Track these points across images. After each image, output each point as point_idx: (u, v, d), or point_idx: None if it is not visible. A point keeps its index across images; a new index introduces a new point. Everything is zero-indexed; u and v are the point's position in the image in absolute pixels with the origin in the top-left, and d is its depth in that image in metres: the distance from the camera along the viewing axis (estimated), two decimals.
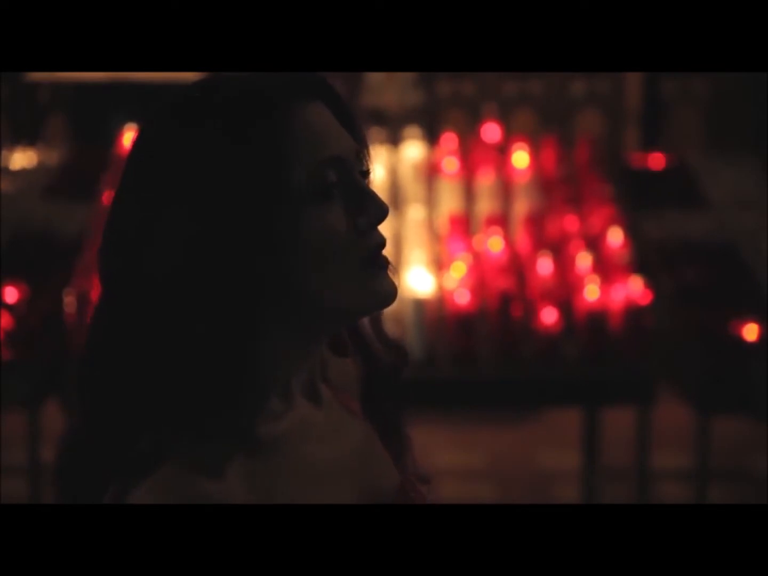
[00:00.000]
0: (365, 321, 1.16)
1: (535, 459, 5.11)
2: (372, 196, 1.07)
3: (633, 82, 6.90)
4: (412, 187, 4.30)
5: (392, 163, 4.39)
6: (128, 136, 4.61)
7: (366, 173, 1.10)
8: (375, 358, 1.17)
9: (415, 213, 4.16)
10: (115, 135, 4.73)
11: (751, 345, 3.81)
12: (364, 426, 1.16)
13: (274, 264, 1.02)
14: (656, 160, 5.46)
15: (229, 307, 1.01)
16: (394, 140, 4.60)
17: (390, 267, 1.08)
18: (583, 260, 3.98)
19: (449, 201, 4.27)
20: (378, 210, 1.06)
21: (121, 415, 1.01)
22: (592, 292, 3.84)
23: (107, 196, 3.96)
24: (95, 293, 1.07)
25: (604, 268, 3.97)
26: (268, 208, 1.01)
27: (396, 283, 1.08)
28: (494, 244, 4.04)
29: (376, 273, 1.06)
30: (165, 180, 1.02)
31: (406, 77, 6.15)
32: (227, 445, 1.00)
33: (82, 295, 3.66)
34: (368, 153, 1.11)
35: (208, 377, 1.00)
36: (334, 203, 1.05)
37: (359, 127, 1.11)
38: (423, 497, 1.16)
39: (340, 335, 1.16)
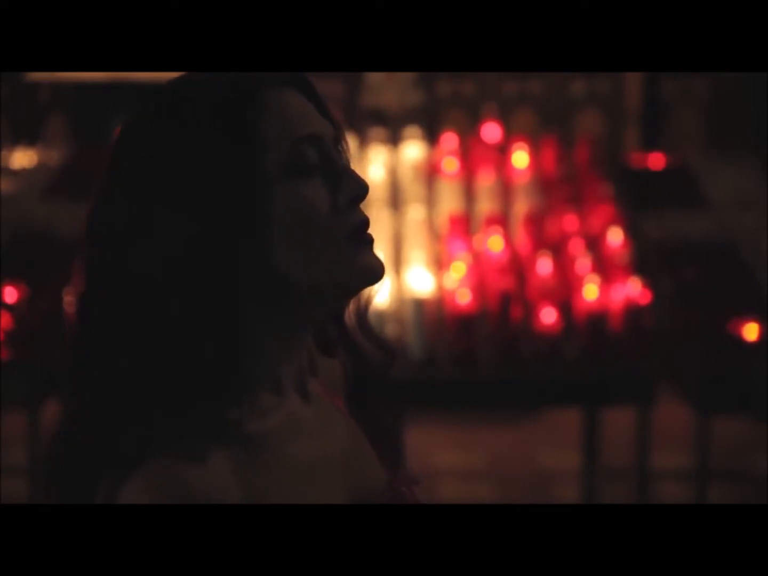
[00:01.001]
0: (352, 318, 1.16)
1: (535, 459, 5.11)
2: (351, 173, 1.07)
3: (633, 82, 6.90)
4: (412, 187, 4.30)
5: (392, 163, 4.39)
6: None
7: (345, 151, 1.10)
8: (362, 356, 1.17)
9: (415, 213, 4.16)
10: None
11: (751, 345, 3.81)
12: (352, 424, 1.16)
13: (256, 246, 1.03)
14: (656, 160, 5.47)
15: (214, 296, 1.01)
16: (394, 140, 4.60)
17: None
18: (583, 260, 3.98)
19: (449, 201, 4.27)
20: (357, 187, 1.07)
21: (109, 409, 1.01)
22: (591, 292, 3.84)
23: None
24: (78, 288, 1.07)
25: (604, 268, 3.97)
26: (246, 190, 1.02)
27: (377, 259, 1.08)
28: (494, 244, 4.04)
29: (360, 248, 1.06)
30: (146, 174, 1.03)
31: (406, 77, 6.15)
32: (218, 439, 1.00)
33: None
34: (346, 142, 1.11)
35: (195, 368, 1.00)
36: (315, 180, 1.06)
37: (335, 117, 1.12)
38: (414, 497, 1.16)
39: (327, 333, 1.16)
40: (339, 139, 1.10)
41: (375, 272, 1.07)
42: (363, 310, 1.16)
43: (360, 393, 1.17)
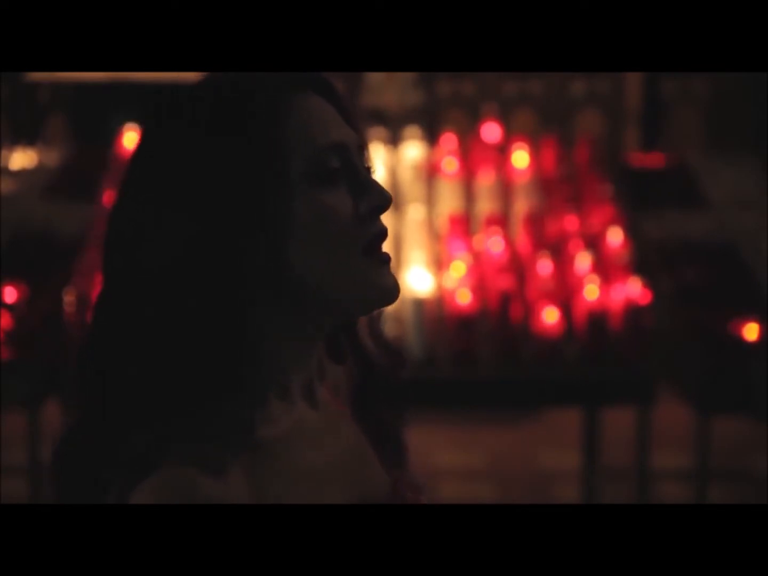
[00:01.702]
0: (363, 323, 1.16)
1: (535, 459, 5.11)
2: (374, 183, 1.07)
3: (633, 82, 6.91)
4: (412, 187, 4.30)
5: (392, 163, 4.39)
6: (128, 136, 4.62)
7: (368, 169, 1.10)
8: (372, 365, 1.16)
9: (415, 213, 4.16)
10: (115, 135, 4.73)
11: (751, 345, 3.81)
12: (355, 428, 1.16)
13: (276, 251, 1.02)
14: (656, 160, 5.47)
15: (230, 301, 1.01)
16: (394, 140, 4.60)
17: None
18: (583, 260, 3.98)
19: (449, 201, 4.27)
20: (380, 197, 1.07)
21: (119, 412, 1.01)
22: (592, 292, 3.84)
23: (108, 196, 3.97)
24: (96, 290, 1.07)
25: (604, 268, 3.97)
26: (268, 195, 1.01)
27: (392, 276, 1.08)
28: (494, 244, 4.04)
29: (378, 266, 1.06)
30: (168, 176, 1.03)
31: (406, 77, 6.16)
32: (228, 445, 1.00)
33: (82, 295, 3.66)
34: (368, 150, 1.11)
35: (207, 374, 1.00)
36: (338, 188, 1.05)
37: (360, 126, 1.11)
38: (416, 500, 1.16)
39: (339, 341, 1.16)
40: (362, 148, 1.10)
41: (390, 293, 1.07)
42: (376, 318, 1.15)
43: (365, 398, 1.17)
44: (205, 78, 1.07)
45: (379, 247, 1.07)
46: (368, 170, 1.10)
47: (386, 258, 1.07)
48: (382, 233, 1.07)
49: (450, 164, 4.37)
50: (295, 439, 1.06)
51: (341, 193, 1.05)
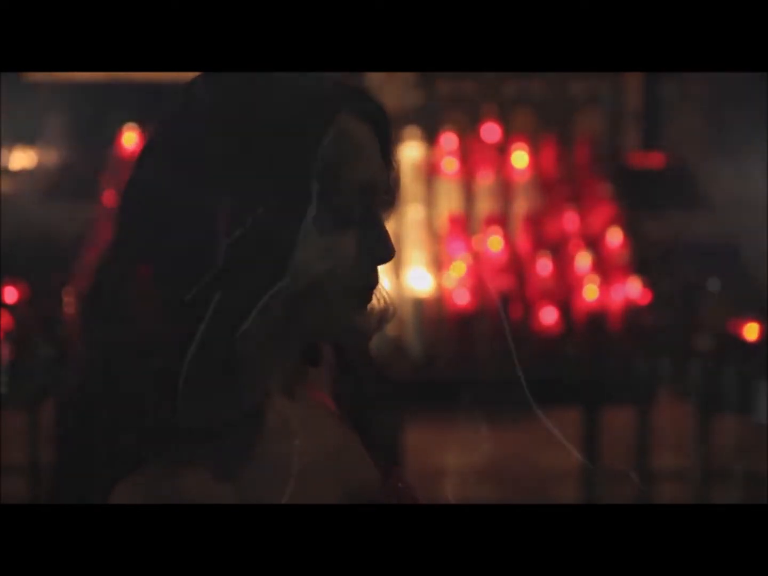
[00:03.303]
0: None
1: (535, 459, 5.11)
2: (385, 237, 1.06)
3: (633, 82, 6.90)
4: (411, 187, 4.30)
5: None
6: (128, 136, 4.61)
7: (390, 204, 1.10)
8: (353, 368, 1.17)
9: (414, 213, 4.16)
10: (114, 135, 4.73)
11: (751, 345, 3.81)
12: (340, 422, 1.16)
13: (281, 260, 1.02)
14: (656, 160, 5.47)
15: (229, 301, 1.01)
16: (394, 140, 4.60)
17: (373, 303, 1.08)
18: (583, 260, 3.98)
19: (449, 201, 4.27)
20: (385, 251, 1.06)
21: (108, 408, 1.01)
22: (591, 292, 3.84)
23: (107, 196, 3.96)
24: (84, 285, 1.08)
25: (604, 268, 3.97)
26: (290, 212, 1.00)
27: (371, 320, 1.09)
28: (494, 244, 4.04)
29: (357, 310, 1.06)
30: (190, 176, 1.02)
31: (406, 77, 6.15)
32: (209, 442, 1.00)
33: (81, 295, 3.65)
34: (398, 183, 1.11)
35: (196, 370, 1.00)
36: (351, 231, 1.04)
37: (396, 155, 1.11)
38: (410, 494, 1.16)
39: (314, 344, 1.15)
40: (390, 184, 1.09)
41: (360, 336, 1.09)
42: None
43: (350, 398, 1.18)
44: (245, 74, 1.06)
45: (365, 296, 1.07)
46: (390, 205, 1.09)
47: (369, 300, 1.07)
48: (374, 286, 1.08)
49: (450, 164, 4.37)
50: (276, 433, 1.06)
51: (352, 236, 1.04)
